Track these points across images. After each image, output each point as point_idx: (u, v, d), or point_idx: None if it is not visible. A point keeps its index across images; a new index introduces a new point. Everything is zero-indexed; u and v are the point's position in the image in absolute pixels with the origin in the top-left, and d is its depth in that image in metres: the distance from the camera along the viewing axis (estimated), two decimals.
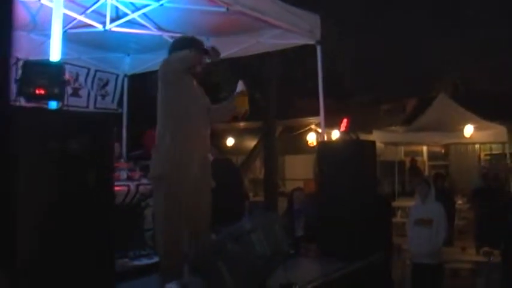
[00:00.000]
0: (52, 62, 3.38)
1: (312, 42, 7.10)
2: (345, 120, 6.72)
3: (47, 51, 4.38)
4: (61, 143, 2.78)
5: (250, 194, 16.86)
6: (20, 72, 3.08)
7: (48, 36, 4.74)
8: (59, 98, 3.09)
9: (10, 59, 2.01)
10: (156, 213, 5.14)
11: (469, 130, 13.36)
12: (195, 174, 4.82)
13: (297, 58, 13.57)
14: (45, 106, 3.11)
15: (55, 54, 3.48)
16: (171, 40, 7.45)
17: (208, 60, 5.03)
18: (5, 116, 1.99)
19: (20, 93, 3.03)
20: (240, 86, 5.16)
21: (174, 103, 4.85)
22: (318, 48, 7.07)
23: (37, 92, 2.98)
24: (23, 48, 5.94)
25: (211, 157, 5.19)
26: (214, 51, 5.06)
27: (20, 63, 3.13)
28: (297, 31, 6.82)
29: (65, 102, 7.53)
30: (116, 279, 4.03)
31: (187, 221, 4.86)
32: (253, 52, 8.00)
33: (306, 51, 7.51)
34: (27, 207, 2.71)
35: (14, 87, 3.00)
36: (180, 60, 4.90)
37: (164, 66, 4.91)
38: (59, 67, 3.21)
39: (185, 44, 5.12)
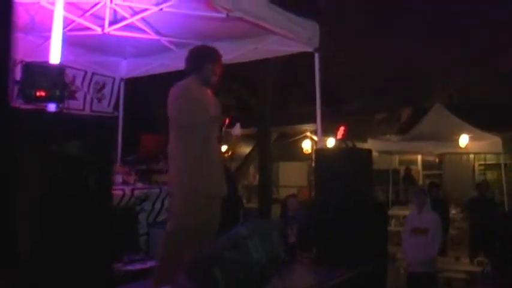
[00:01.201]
0: (53, 64, 3.36)
1: (310, 49, 7.09)
2: (341, 128, 6.67)
3: (44, 53, 4.36)
4: (61, 146, 2.76)
5: (244, 201, 16.85)
6: (20, 74, 3.07)
7: (46, 38, 4.73)
8: (60, 100, 3.07)
9: (10, 61, 1.99)
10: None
11: (464, 140, 13.36)
12: (211, 191, 4.90)
13: (293, 65, 13.56)
14: (44, 108, 3.09)
15: (55, 56, 3.46)
16: (168, 45, 7.52)
17: None
18: (6, 118, 1.97)
19: (20, 95, 3.01)
20: (237, 130, 5.24)
21: (187, 121, 4.92)
22: (316, 56, 7.06)
23: (38, 94, 2.96)
24: (20, 50, 5.90)
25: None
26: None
27: (20, 65, 3.11)
28: (296, 38, 6.81)
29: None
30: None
31: (195, 234, 4.89)
32: (252, 58, 7.96)
33: (302, 58, 7.48)
34: (27, 209, 2.69)
35: (14, 89, 2.99)
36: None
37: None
38: (60, 70, 3.18)
39: (204, 58, 5.18)
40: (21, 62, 3.19)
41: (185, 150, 4.90)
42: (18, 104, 3.00)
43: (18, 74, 3.12)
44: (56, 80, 3.03)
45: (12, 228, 2.47)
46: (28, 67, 3.04)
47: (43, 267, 2.77)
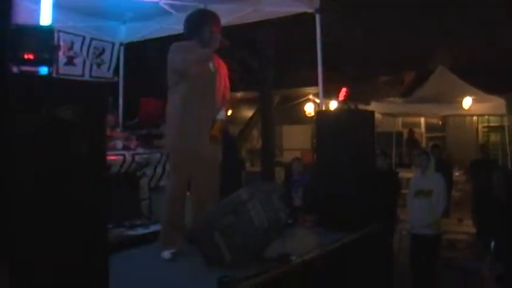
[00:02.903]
0: (41, 26, 3.28)
1: (311, 10, 6.97)
2: (343, 90, 6.63)
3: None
4: (51, 111, 2.71)
5: (247, 164, 16.87)
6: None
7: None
8: (48, 63, 2.99)
9: (9, 27, 1.95)
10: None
11: (467, 102, 13.26)
12: (203, 147, 4.95)
13: (294, 27, 13.40)
14: (35, 72, 3.02)
15: (45, 18, 3.38)
16: (168, 8, 7.41)
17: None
18: (4, 84, 1.93)
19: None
20: (221, 114, 5.24)
21: (183, 82, 4.98)
22: (317, 17, 6.92)
23: (26, 56, 2.89)
24: (16, 16, 5.80)
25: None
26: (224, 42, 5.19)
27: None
28: None
29: (60, 71, 7.55)
30: (112, 248, 4.01)
31: (193, 191, 4.96)
32: (250, 20, 7.84)
33: (303, 19, 7.37)
34: (17, 177, 2.66)
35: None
36: (200, 60, 5.05)
37: (181, 63, 4.97)
38: (48, 31, 3.10)
39: (202, 21, 5.22)
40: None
41: (171, 105, 5.03)
42: (9, 67, 2.94)
43: None
44: (44, 42, 2.95)
45: (4, 196, 2.46)
46: (15, 29, 2.96)
47: (34, 236, 2.73)
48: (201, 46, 5.11)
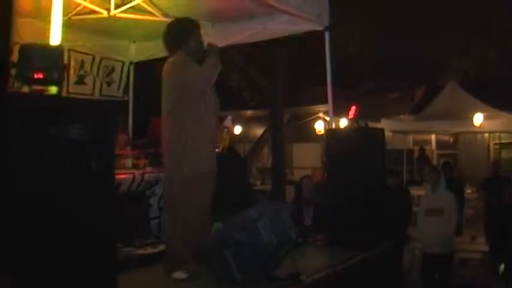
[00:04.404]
0: (51, 45, 3.29)
1: (320, 28, 6.96)
2: (353, 108, 6.59)
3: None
4: (60, 130, 2.71)
5: (258, 183, 16.83)
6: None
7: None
8: (57, 82, 3.00)
9: (9, 45, 1.94)
10: (168, 204, 5.07)
11: (478, 119, 13.20)
12: (210, 172, 4.81)
13: (304, 44, 13.43)
14: (45, 91, 3.03)
15: (55, 38, 3.40)
16: None
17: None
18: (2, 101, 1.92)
19: (18, 77, 2.95)
20: (227, 122, 5.13)
21: (184, 103, 4.74)
22: (326, 35, 6.92)
23: (35, 76, 2.89)
24: (27, 35, 5.83)
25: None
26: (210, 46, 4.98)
27: (17, 47, 3.05)
28: (305, 16, 6.70)
29: (70, 90, 7.58)
30: (120, 268, 3.98)
31: (198, 215, 4.82)
32: (260, 39, 7.87)
33: (314, 37, 7.38)
34: (25, 194, 2.65)
35: (11, 72, 2.94)
36: (205, 81, 4.81)
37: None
38: (57, 51, 3.11)
39: (187, 30, 4.97)
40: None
41: (174, 124, 4.75)
42: (18, 87, 2.95)
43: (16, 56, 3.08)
44: (54, 61, 2.96)
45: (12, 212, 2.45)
46: (25, 49, 2.97)
47: (44, 253, 2.72)
48: (190, 57, 4.85)
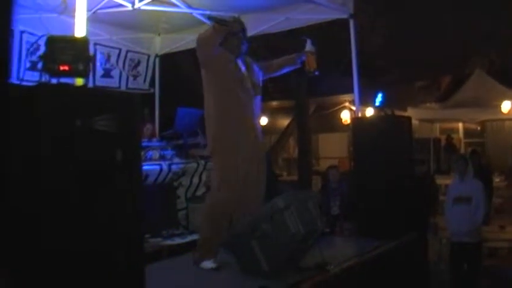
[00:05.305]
0: (76, 37, 3.33)
1: (344, 16, 6.91)
2: (379, 95, 6.54)
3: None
4: (86, 121, 2.74)
5: (284, 173, 16.83)
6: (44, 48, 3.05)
7: None
8: (83, 74, 3.03)
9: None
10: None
11: (506, 106, 13.02)
12: (243, 154, 4.81)
13: (329, 34, 13.35)
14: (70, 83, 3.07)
15: (80, 30, 3.44)
16: (201, 19, 7.46)
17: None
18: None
19: (44, 69, 2.99)
20: (309, 46, 5.22)
21: (214, 86, 4.84)
22: (351, 23, 6.84)
23: (61, 68, 2.92)
24: (54, 30, 5.90)
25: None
26: (235, 21, 4.99)
27: (44, 39, 3.08)
28: (329, 5, 6.66)
29: (97, 83, 7.66)
30: (149, 258, 4.02)
31: (238, 200, 4.83)
32: (283, 29, 7.84)
33: (339, 26, 7.33)
34: (51, 184, 2.69)
35: (39, 64, 2.97)
36: (201, 44, 4.80)
37: (197, 51, 4.82)
38: (83, 43, 3.14)
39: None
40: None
41: (215, 106, 4.82)
42: (45, 78, 2.99)
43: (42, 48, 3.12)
44: (79, 53, 2.99)
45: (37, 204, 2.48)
46: (51, 41, 3.00)
47: (69, 245, 2.75)
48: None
